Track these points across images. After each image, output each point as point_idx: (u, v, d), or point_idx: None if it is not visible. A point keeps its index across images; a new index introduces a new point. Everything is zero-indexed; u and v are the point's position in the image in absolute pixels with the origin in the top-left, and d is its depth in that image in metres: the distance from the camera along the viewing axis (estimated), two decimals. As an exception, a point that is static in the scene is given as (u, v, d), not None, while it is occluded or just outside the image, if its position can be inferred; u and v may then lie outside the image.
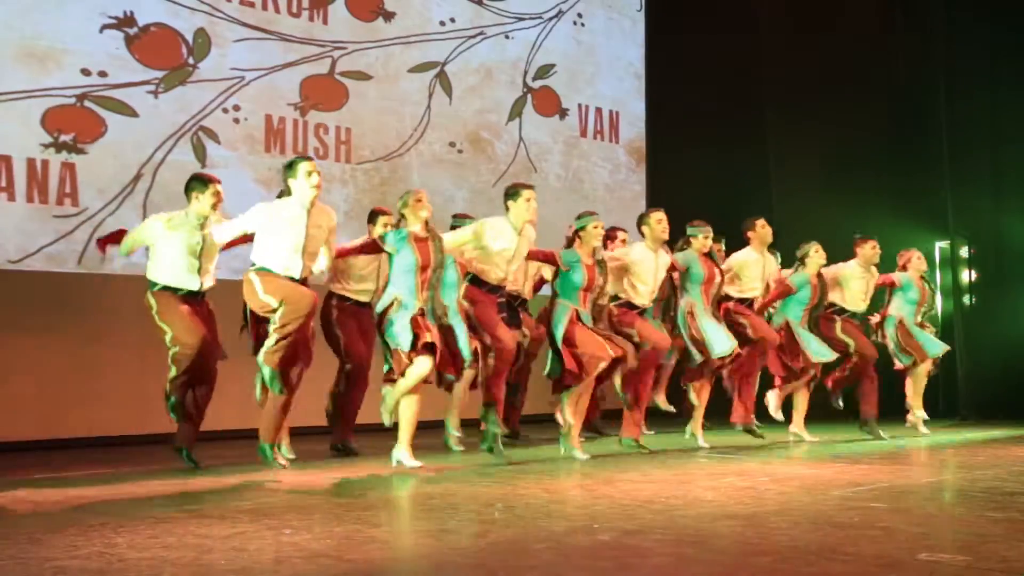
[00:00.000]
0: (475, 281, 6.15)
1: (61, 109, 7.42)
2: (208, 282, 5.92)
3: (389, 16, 9.16)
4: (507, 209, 6.18)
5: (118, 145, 7.63)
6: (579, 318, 6.28)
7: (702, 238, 6.98)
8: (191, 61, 8.01)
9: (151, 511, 4.29)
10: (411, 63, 9.27)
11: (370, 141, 8.96)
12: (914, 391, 8.01)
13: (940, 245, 10.00)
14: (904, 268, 8.02)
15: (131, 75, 7.71)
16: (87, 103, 7.53)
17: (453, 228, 6.76)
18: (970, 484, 5.26)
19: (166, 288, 5.80)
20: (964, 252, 9.92)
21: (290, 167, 5.51)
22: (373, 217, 6.70)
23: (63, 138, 7.40)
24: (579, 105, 10.45)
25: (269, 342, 5.36)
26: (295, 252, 5.45)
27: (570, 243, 6.47)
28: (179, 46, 7.96)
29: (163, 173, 7.80)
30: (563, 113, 10.31)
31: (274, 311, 5.37)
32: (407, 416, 5.69)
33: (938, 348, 7.91)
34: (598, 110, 10.60)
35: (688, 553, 3.43)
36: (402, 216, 5.83)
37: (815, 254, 7.44)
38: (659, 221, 6.67)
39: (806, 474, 5.57)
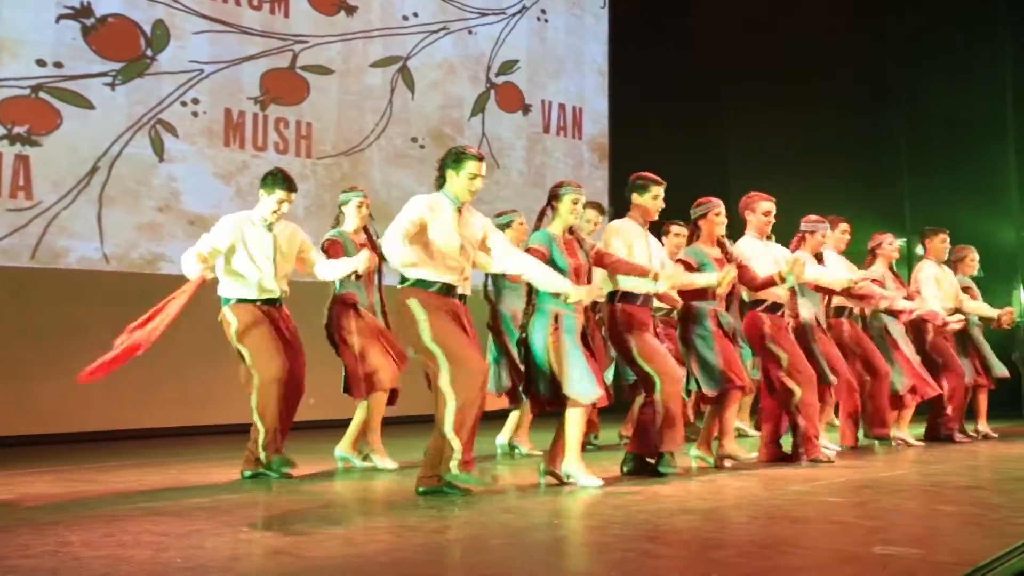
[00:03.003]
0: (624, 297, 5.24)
1: (15, 100, 7.31)
2: (284, 286, 5.36)
3: (351, 10, 9.11)
4: (629, 202, 5.41)
5: (74, 137, 7.53)
6: (720, 323, 5.69)
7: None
8: (149, 53, 7.92)
9: (105, 509, 4.23)
10: (373, 58, 9.23)
11: (331, 136, 8.91)
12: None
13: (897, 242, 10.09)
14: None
15: (87, 66, 7.61)
16: (42, 94, 7.42)
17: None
18: (923, 479, 5.33)
19: (243, 301, 5.24)
20: (920, 250, 10.02)
21: (456, 159, 4.66)
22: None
23: (17, 130, 7.29)
24: (542, 101, 10.46)
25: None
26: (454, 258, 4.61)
27: (690, 239, 5.87)
28: (137, 38, 7.87)
29: (120, 166, 7.71)
30: (526, 109, 10.32)
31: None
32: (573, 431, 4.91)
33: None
34: (561, 106, 10.61)
35: (647, 548, 3.44)
36: (549, 206, 5.06)
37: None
38: (767, 213, 5.97)
39: (765, 469, 5.61)
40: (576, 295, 4.75)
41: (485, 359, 4.62)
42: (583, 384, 4.76)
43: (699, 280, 5.53)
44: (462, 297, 4.71)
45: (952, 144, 10.24)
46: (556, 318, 4.84)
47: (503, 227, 6.04)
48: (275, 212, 5.25)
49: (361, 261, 5.22)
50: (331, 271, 5.43)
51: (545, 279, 4.80)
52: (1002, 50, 9.97)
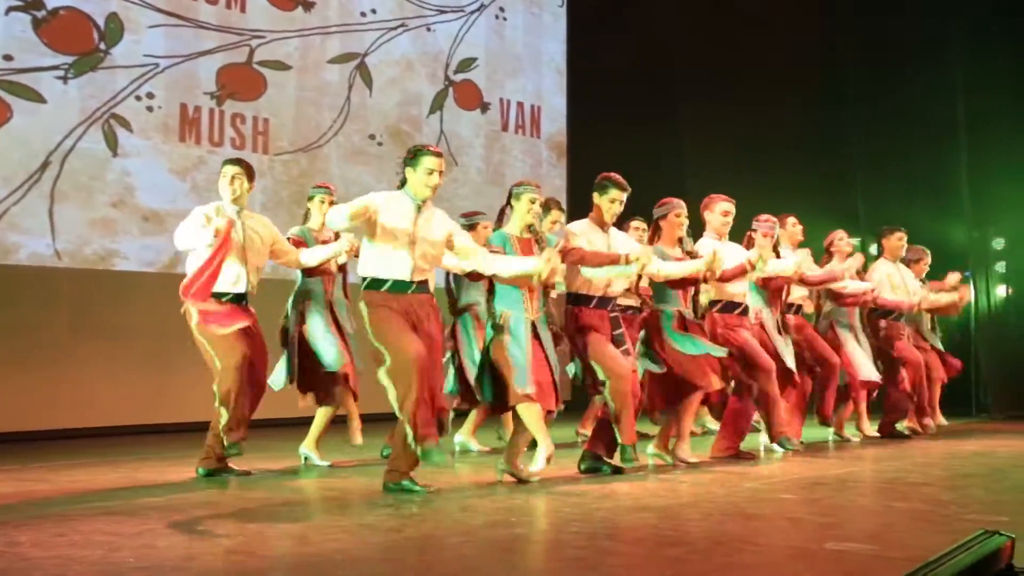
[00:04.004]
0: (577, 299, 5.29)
1: (-36, 93, 7.18)
2: (254, 280, 5.26)
3: (309, 6, 9.04)
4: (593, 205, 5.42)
5: (24, 132, 7.39)
6: (684, 323, 5.71)
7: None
8: (103, 47, 7.80)
9: (56, 508, 4.17)
10: (331, 54, 9.17)
11: (288, 132, 8.84)
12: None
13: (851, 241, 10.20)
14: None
15: (39, 59, 7.47)
16: (-8, 88, 7.29)
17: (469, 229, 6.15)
18: (877, 475, 5.41)
19: (212, 295, 5.06)
20: (874, 249, 10.15)
21: (412, 156, 4.72)
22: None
23: (-34, 123, 7.16)
24: (501, 99, 10.45)
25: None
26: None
27: (652, 237, 5.85)
28: (90, 31, 7.75)
29: (72, 161, 7.58)
30: (484, 107, 10.30)
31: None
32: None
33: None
34: (519, 104, 10.61)
35: (603, 545, 3.46)
36: (509, 205, 5.12)
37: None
38: (725, 213, 6.07)
39: (720, 467, 5.66)
40: (540, 267, 4.68)
41: (419, 344, 4.59)
42: (517, 382, 4.85)
43: (687, 268, 5.54)
44: (422, 290, 4.72)
45: (906, 144, 10.36)
46: (504, 319, 4.94)
47: (468, 228, 6.07)
48: (232, 188, 5.19)
49: (344, 244, 5.28)
50: (314, 257, 5.43)
51: (511, 266, 4.83)
52: (952, 51, 10.10)
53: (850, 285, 6.98)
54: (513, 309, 4.99)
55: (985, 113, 9.88)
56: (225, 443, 5.11)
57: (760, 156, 10.32)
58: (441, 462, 4.54)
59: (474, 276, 5.73)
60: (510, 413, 5.15)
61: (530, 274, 4.80)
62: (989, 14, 9.89)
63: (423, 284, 4.73)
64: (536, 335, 5.01)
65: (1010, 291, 10.16)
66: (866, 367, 7.10)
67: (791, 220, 6.96)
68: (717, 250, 5.59)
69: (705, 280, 5.72)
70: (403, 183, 4.77)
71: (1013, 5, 9.80)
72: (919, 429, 7.59)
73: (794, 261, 6.34)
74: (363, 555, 3.28)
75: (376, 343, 4.58)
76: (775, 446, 6.32)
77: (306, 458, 5.78)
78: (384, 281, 4.64)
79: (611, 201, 5.32)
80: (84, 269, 7.63)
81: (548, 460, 5.02)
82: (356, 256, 5.37)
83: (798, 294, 6.93)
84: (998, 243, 10.13)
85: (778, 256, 6.53)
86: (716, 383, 5.69)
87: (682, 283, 5.71)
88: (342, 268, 5.90)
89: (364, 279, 4.69)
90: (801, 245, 7.03)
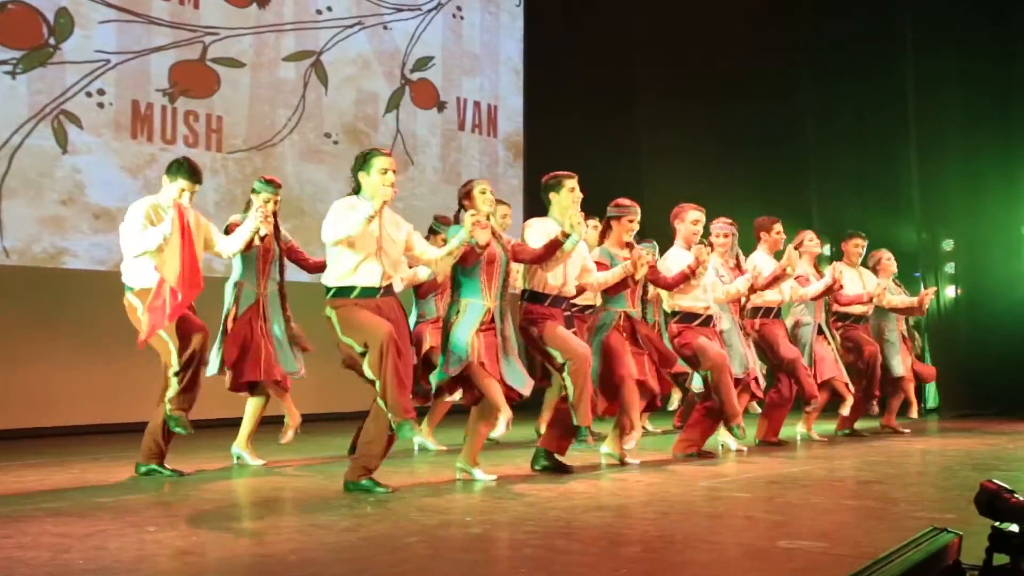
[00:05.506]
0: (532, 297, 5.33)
1: (-91, 87, 7.03)
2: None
3: (263, 2, 8.96)
4: (548, 203, 5.40)
5: (-28, 127, 7.26)
6: (632, 324, 5.71)
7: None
8: (52, 42, 7.67)
9: (3, 509, 4.10)
10: (286, 51, 9.10)
11: (242, 130, 8.75)
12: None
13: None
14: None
15: (-14, 54, 7.34)
16: (-62, 82, 7.14)
17: (433, 233, 6.23)
18: (830, 474, 5.47)
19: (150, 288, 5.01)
20: (827, 250, 10.27)
21: (363, 161, 4.71)
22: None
23: (-89, 118, 7.00)
24: (457, 98, 10.43)
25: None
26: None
27: (601, 237, 5.92)
28: (39, 26, 7.61)
29: (20, 158, 7.45)
30: (441, 106, 10.28)
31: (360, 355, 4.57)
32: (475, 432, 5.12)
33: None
34: (476, 104, 10.60)
35: (558, 544, 3.46)
36: (461, 207, 5.15)
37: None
38: (695, 222, 6.09)
39: (676, 466, 5.69)
40: (477, 234, 4.73)
41: (390, 325, 4.61)
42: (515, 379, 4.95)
43: (614, 273, 5.56)
44: (388, 293, 4.71)
45: (858, 144, 10.47)
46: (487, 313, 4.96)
47: (434, 232, 6.22)
48: (176, 200, 5.09)
49: (255, 218, 5.16)
50: (231, 243, 5.34)
51: (447, 247, 4.86)
52: (903, 52, 10.21)
53: (810, 290, 6.99)
54: (473, 298, 4.99)
55: (934, 114, 10.01)
56: (169, 411, 5.04)
57: (717, 155, 10.40)
58: (411, 435, 4.58)
59: (424, 292, 5.86)
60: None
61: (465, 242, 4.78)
62: (938, 13, 10.01)
63: (389, 287, 4.72)
64: (492, 324, 5.00)
65: (959, 292, 10.32)
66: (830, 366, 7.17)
67: (776, 227, 6.93)
68: (641, 255, 5.56)
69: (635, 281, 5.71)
70: (355, 190, 4.74)
71: (962, 3, 9.95)
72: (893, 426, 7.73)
73: (744, 279, 6.37)
74: (318, 555, 3.25)
75: (346, 337, 4.58)
76: (728, 439, 6.41)
77: (238, 457, 5.73)
78: (352, 289, 4.63)
79: (571, 191, 5.34)
80: (33, 267, 7.50)
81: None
82: (271, 220, 5.35)
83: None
84: (947, 244, 10.29)
85: (739, 264, 6.58)
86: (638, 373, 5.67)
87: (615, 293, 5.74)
88: (281, 266, 5.80)
89: (329, 289, 4.66)
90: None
